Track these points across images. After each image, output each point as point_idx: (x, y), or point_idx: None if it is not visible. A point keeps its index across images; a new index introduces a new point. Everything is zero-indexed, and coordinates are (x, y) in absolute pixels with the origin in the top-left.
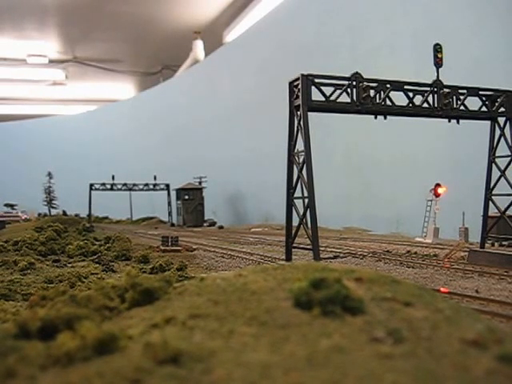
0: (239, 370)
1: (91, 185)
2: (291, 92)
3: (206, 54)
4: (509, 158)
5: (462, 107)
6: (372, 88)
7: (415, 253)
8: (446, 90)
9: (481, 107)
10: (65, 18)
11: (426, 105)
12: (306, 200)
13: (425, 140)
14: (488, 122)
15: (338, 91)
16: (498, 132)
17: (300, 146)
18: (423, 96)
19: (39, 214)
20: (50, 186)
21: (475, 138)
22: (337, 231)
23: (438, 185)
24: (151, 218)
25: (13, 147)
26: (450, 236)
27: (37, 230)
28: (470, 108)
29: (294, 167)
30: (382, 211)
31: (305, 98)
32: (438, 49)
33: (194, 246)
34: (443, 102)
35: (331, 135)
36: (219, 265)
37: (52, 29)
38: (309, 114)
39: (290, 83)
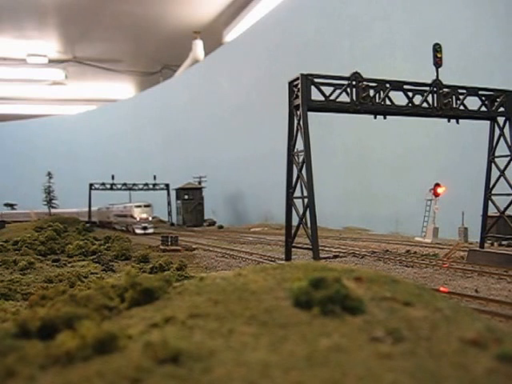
0: (239, 369)
1: (91, 184)
2: (291, 92)
3: (206, 54)
4: (508, 158)
5: (461, 107)
6: (371, 88)
7: (415, 252)
8: (446, 90)
9: (480, 107)
10: (65, 17)
11: (425, 104)
12: (306, 200)
13: (424, 140)
14: (487, 122)
15: (338, 91)
16: (497, 132)
17: (300, 145)
18: (423, 96)
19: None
20: (49, 186)
21: (475, 137)
22: (336, 231)
23: (437, 184)
24: None
25: (13, 147)
26: (450, 236)
27: (36, 230)
28: (470, 108)
29: (294, 167)
30: (381, 211)
31: (304, 97)
32: (437, 48)
33: (194, 246)
34: (443, 102)
35: (331, 135)
36: (219, 264)
37: (52, 28)
38: (308, 113)
39: (290, 83)
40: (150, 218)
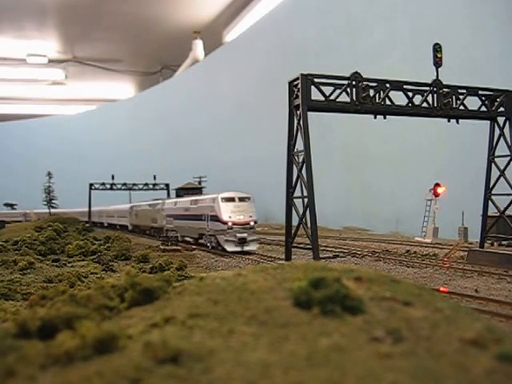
0: (239, 369)
1: (91, 184)
2: (291, 92)
3: (206, 54)
4: (508, 158)
5: (461, 107)
6: (371, 87)
7: (414, 252)
8: (446, 90)
9: (480, 107)
10: (64, 17)
11: (425, 104)
12: (306, 200)
13: (424, 140)
14: (487, 122)
15: (338, 91)
16: (497, 132)
17: (300, 145)
18: (423, 96)
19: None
20: (49, 186)
21: (475, 137)
22: (336, 231)
23: (437, 184)
24: None
25: (13, 147)
26: (450, 236)
27: (36, 230)
28: (470, 108)
29: (294, 167)
30: (381, 211)
31: (304, 97)
32: (437, 48)
33: (194, 246)
34: (443, 102)
35: (331, 134)
36: (219, 264)
37: (52, 28)
38: (308, 113)
39: (290, 83)
40: (252, 223)
